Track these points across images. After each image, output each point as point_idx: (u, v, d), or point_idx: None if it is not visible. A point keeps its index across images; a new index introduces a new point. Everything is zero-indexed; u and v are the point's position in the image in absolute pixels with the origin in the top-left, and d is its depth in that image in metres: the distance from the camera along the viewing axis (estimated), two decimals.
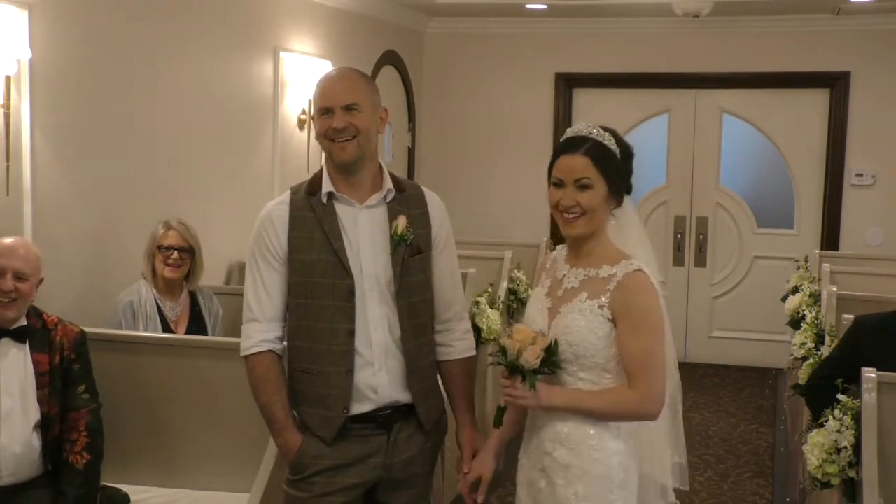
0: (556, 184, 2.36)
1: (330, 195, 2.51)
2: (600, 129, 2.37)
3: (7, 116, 3.60)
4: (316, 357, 2.50)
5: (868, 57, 7.11)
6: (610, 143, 2.36)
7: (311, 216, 2.50)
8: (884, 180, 7.18)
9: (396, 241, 2.52)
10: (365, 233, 2.52)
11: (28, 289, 2.96)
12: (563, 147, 2.37)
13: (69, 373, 3.01)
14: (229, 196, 5.10)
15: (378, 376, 2.50)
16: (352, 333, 2.47)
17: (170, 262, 3.88)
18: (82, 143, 4.05)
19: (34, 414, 2.93)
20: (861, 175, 7.21)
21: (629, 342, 2.28)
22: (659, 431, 2.46)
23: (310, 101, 5.86)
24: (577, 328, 2.30)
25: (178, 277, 3.92)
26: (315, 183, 2.55)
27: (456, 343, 2.65)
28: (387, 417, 2.52)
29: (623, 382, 2.32)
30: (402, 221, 2.52)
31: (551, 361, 2.29)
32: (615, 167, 2.35)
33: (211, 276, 4.25)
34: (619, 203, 2.39)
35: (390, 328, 2.52)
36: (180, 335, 3.84)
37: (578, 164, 2.32)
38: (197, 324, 3.96)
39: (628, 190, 2.42)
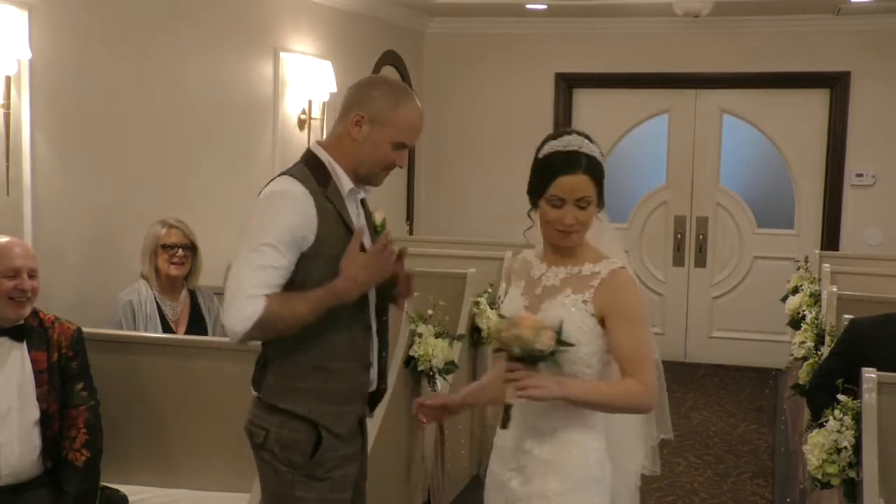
0: (555, 204, 2.33)
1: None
2: (587, 141, 2.38)
3: (7, 116, 3.61)
4: (337, 352, 2.43)
5: (868, 57, 7.10)
6: (599, 155, 2.38)
7: (331, 208, 2.40)
8: (884, 180, 7.18)
9: (379, 233, 2.58)
10: (369, 226, 2.55)
11: (38, 285, 3.00)
12: (563, 167, 2.33)
13: (67, 371, 3.02)
14: (229, 196, 5.10)
15: (374, 367, 2.55)
16: (369, 328, 2.50)
17: (174, 259, 3.90)
18: (82, 143, 4.05)
19: (33, 412, 2.93)
20: (861, 175, 7.20)
21: (622, 337, 2.30)
22: (634, 423, 2.53)
23: (310, 101, 5.86)
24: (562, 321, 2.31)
25: (183, 275, 3.95)
26: (323, 175, 2.43)
27: None
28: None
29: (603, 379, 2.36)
30: (380, 213, 2.58)
31: (561, 340, 2.25)
32: (602, 177, 2.37)
33: (211, 276, 4.25)
34: (602, 207, 2.42)
35: (376, 316, 2.56)
36: (180, 335, 3.84)
37: (580, 184, 2.32)
38: (197, 324, 3.97)
39: None
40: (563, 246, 2.39)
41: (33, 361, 2.96)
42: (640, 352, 2.30)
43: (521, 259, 2.57)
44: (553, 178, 2.33)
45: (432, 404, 2.58)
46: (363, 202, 2.57)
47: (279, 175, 2.47)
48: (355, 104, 2.45)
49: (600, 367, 2.36)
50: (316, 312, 2.34)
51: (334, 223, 2.40)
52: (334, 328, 2.41)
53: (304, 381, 2.42)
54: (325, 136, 2.59)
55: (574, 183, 2.32)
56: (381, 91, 2.46)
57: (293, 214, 2.34)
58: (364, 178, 2.48)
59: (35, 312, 3.03)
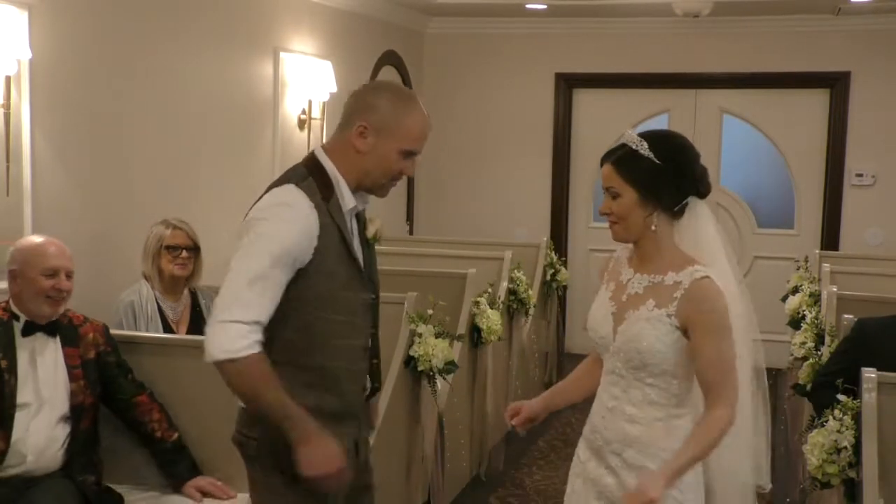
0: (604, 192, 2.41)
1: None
2: (637, 136, 2.36)
3: (7, 116, 3.61)
4: (331, 375, 2.36)
5: (868, 57, 7.10)
6: (642, 149, 2.32)
7: (332, 224, 2.32)
8: (884, 180, 7.17)
9: (372, 245, 2.49)
10: (360, 239, 2.46)
11: (72, 285, 3.10)
12: (602, 157, 2.42)
13: (108, 365, 3.15)
14: (229, 196, 5.10)
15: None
16: (366, 349, 2.44)
17: (178, 261, 3.91)
18: (82, 143, 4.05)
19: (63, 406, 3.02)
20: (861, 175, 7.20)
21: (704, 349, 2.26)
22: (741, 433, 2.39)
23: (310, 101, 5.86)
24: (645, 336, 2.30)
25: (186, 275, 3.96)
26: (327, 188, 2.34)
27: None
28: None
29: (689, 385, 2.32)
30: (377, 223, 2.48)
31: None
32: (646, 173, 2.31)
33: (211, 276, 4.25)
34: (664, 208, 2.34)
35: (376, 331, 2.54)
36: (180, 335, 3.84)
37: (606, 173, 2.38)
38: (198, 324, 3.96)
39: (699, 193, 2.37)
40: (613, 240, 2.42)
41: (67, 357, 3.06)
42: (721, 364, 2.25)
43: (615, 258, 2.51)
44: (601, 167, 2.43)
45: (520, 421, 2.56)
46: (357, 214, 2.48)
47: (283, 182, 2.35)
48: (358, 113, 2.35)
49: (687, 374, 2.31)
50: (278, 412, 2.26)
51: (334, 239, 2.32)
52: (331, 350, 2.35)
53: (299, 399, 2.29)
54: (327, 141, 2.48)
55: (603, 171, 2.39)
56: (386, 99, 2.35)
57: (296, 232, 2.26)
58: (369, 189, 2.40)
59: (64, 311, 3.12)
